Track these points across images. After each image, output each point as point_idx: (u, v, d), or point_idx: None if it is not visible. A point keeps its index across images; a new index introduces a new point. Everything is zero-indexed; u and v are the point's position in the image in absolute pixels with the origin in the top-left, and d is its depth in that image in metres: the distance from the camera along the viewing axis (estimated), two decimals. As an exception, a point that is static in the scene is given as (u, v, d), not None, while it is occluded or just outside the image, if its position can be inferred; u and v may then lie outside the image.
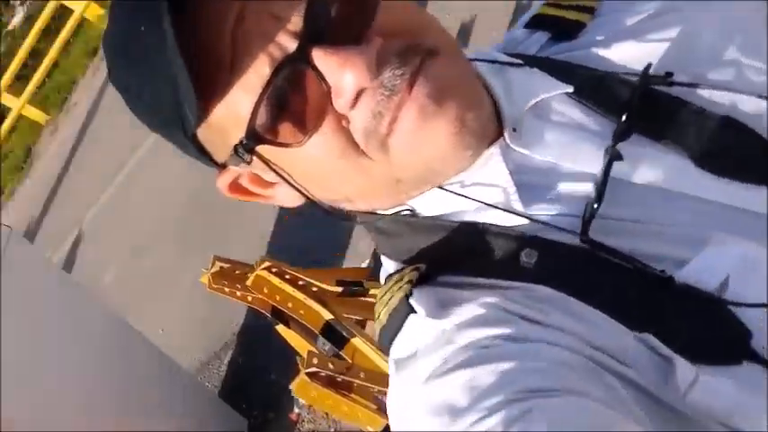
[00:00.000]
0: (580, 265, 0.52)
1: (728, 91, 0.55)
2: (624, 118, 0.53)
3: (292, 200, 0.59)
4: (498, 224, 0.55)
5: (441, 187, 0.56)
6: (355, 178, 0.53)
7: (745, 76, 0.56)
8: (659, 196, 0.53)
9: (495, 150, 0.55)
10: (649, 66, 0.55)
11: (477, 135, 0.52)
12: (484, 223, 0.55)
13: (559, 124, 0.57)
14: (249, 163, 0.53)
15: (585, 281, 0.51)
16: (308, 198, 0.57)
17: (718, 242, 0.50)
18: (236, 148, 0.52)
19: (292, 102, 0.49)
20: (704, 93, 0.55)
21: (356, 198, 0.57)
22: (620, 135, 0.53)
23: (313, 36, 0.48)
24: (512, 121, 0.55)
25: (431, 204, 0.57)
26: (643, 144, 0.54)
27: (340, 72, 0.47)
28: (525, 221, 0.54)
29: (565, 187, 0.54)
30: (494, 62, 0.59)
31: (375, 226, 0.61)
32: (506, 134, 0.55)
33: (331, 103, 0.49)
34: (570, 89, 0.56)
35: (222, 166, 0.58)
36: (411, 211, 0.58)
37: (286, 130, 0.50)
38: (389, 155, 0.51)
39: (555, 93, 0.56)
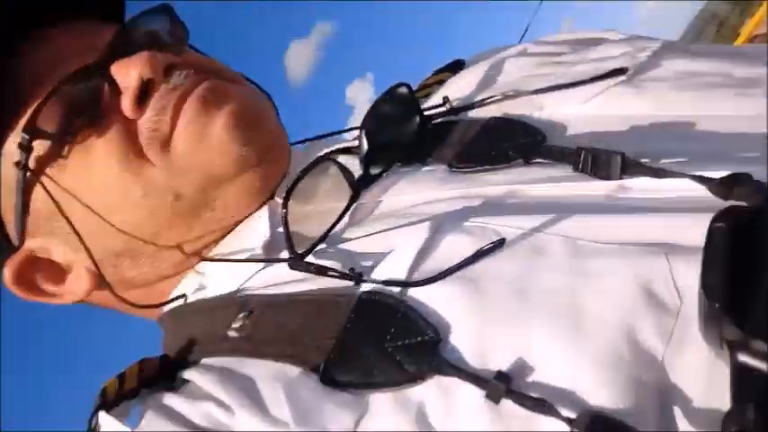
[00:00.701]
0: (269, 309, 0.48)
1: (501, 101, 0.57)
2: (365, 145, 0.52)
3: (83, 284, 0.56)
4: (221, 294, 0.53)
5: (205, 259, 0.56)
6: (132, 191, 0.52)
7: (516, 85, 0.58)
8: (399, 210, 0.51)
9: (263, 212, 0.55)
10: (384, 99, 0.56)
11: (252, 129, 0.53)
12: (206, 298, 0.54)
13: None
14: (30, 171, 0.51)
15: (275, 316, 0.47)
16: (97, 270, 0.54)
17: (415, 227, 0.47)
18: (19, 145, 0.51)
19: (80, 105, 0.51)
20: (481, 109, 0.58)
21: (140, 239, 0.55)
22: (365, 160, 0.52)
23: (114, 55, 0.52)
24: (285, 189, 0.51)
25: (190, 287, 0.56)
26: (401, 171, 0.55)
27: (125, 70, 0.51)
28: (252, 283, 0.52)
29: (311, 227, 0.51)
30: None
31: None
32: (277, 193, 0.56)
33: (120, 111, 0.51)
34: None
35: (14, 248, 0.56)
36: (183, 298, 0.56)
37: (71, 127, 0.51)
38: (170, 157, 0.52)
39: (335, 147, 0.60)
